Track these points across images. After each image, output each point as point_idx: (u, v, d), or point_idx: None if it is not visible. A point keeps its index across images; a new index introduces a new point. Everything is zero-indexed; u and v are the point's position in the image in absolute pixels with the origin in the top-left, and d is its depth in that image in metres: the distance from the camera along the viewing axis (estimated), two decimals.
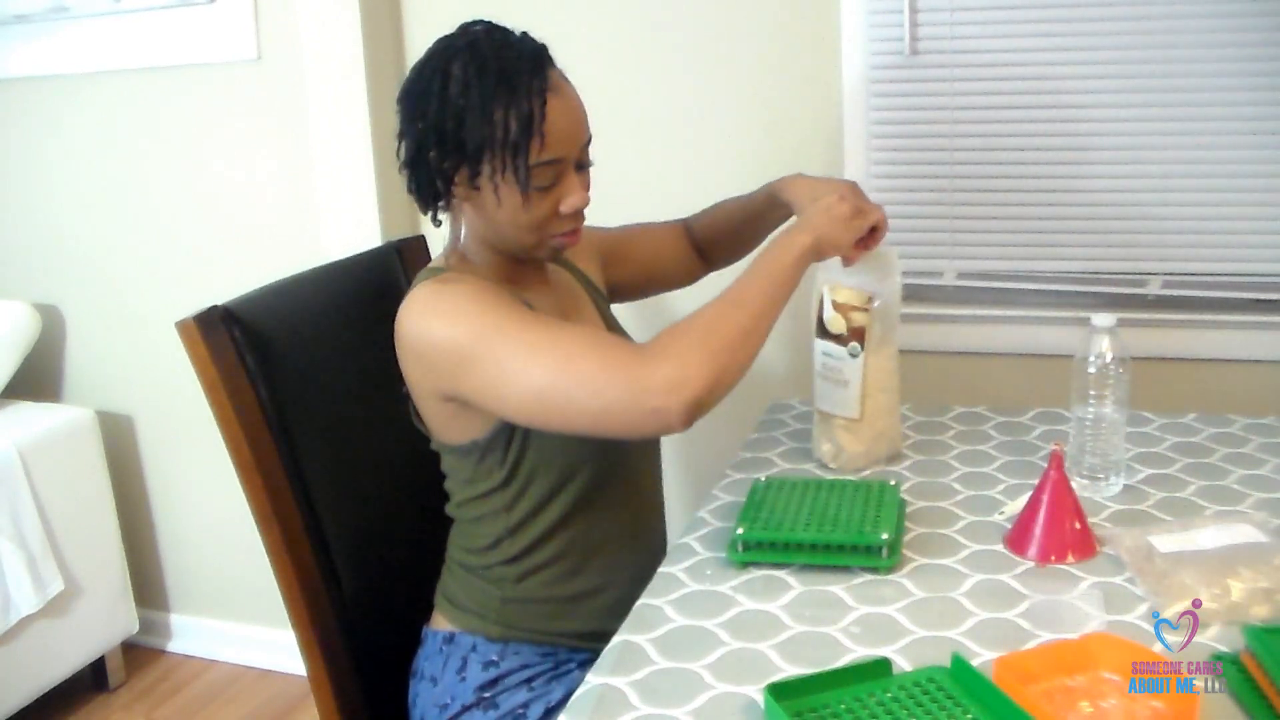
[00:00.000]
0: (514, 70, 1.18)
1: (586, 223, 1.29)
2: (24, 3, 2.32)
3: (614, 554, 1.30)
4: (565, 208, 1.23)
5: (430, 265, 1.33)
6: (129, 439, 2.57)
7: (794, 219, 1.36)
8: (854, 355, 1.39)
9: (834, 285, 1.40)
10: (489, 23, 1.23)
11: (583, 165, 1.26)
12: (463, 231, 1.29)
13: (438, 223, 1.30)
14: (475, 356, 1.15)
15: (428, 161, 1.22)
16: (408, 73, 1.25)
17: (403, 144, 1.25)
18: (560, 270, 1.43)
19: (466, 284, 1.21)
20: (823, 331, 1.42)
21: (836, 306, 1.39)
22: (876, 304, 1.38)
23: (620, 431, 1.14)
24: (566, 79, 1.23)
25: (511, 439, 1.24)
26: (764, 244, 1.26)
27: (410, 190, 1.28)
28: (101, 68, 2.34)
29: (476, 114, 1.17)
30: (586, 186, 1.26)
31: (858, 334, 1.39)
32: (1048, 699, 0.91)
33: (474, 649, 1.30)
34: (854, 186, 1.38)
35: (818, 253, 1.24)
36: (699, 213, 1.62)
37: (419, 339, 1.20)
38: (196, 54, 2.25)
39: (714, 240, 1.59)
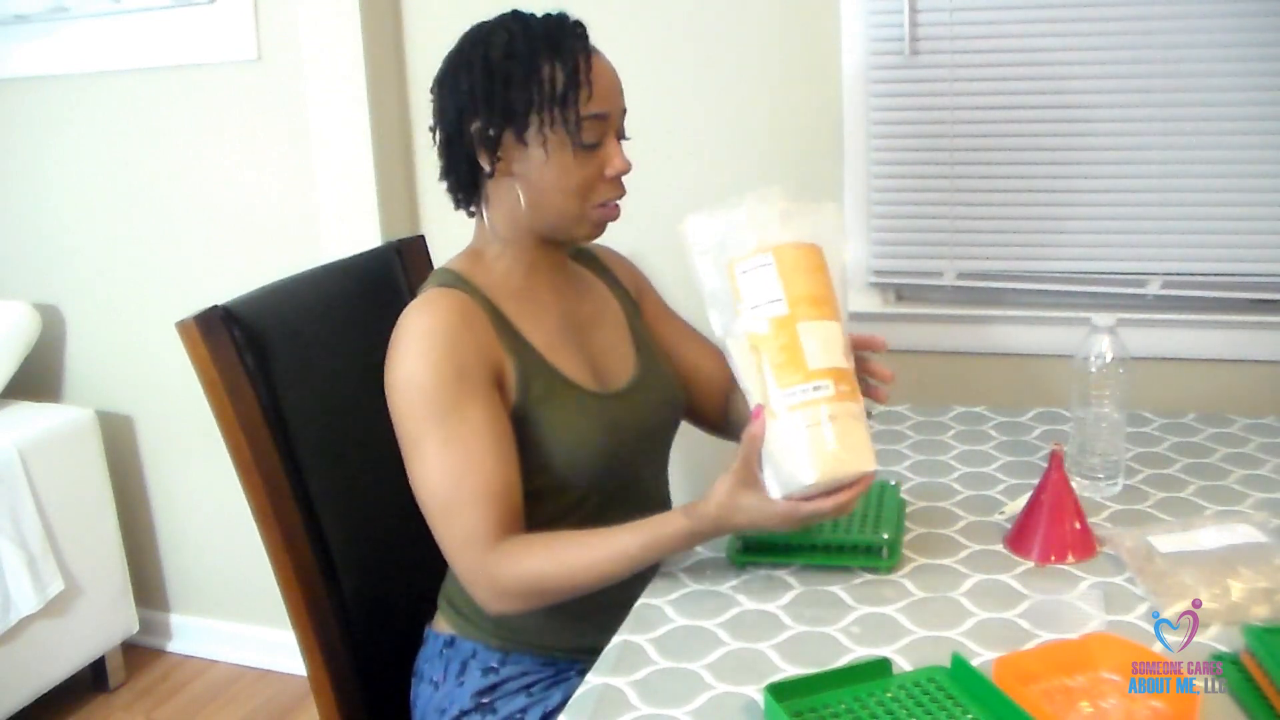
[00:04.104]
0: (557, 30, 1.22)
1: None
2: (24, 3, 2.32)
3: None
4: (610, 170, 1.25)
5: (444, 266, 1.32)
6: (129, 439, 2.57)
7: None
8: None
9: None
10: (516, 10, 1.27)
11: (620, 135, 1.28)
12: (497, 215, 1.28)
13: (471, 213, 1.30)
14: (402, 418, 1.20)
15: (469, 135, 1.23)
16: (443, 60, 1.26)
17: (439, 128, 1.26)
18: (591, 276, 1.42)
19: (447, 324, 1.20)
20: None
21: None
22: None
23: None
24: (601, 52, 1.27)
25: (519, 460, 1.23)
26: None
27: (445, 175, 1.28)
28: (101, 68, 2.34)
29: (523, 72, 1.20)
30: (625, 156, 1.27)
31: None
32: (1048, 699, 0.91)
33: (474, 655, 1.30)
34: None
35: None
36: None
37: (389, 358, 1.22)
38: (196, 54, 2.25)
39: (736, 424, 1.38)
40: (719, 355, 1.40)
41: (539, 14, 1.25)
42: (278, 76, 2.19)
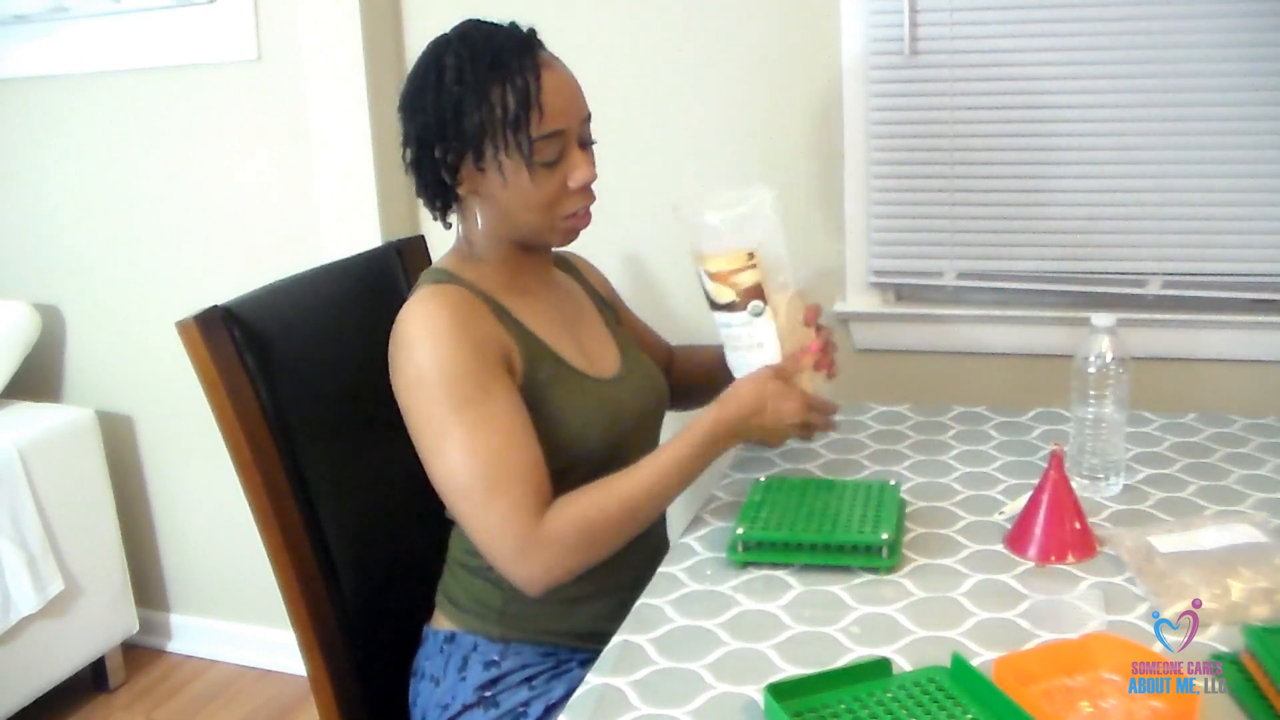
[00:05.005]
0: (505, 51, 1.21)
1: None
2: (24, 3, 2.32)
3: (615, 556, 1.30)
4: (573, 182, 1.25)
5: (434, 266, 1.34)
6: (129, 439, 2.57)
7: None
8: (757, 314, 1.30)
9: (704, 257, 1.30)
10: (477, 19, 1.27)
11: (585, 142, 1.28)
12: (472, 228, 1.31)
13: (448, 225, 1.32)
14: (423, 411, 1.20)
15: (432, 158, 1.24)
16: (406, 78, 1.27)
17: (407, 147, 1.27)
18: (568, 278, 1.45)
19: (455, 314, 1.22)
20: (713, 306, 1.33)
21: (714, 277, 1.30)
22: (758, 255, 1.27)
23: (487, 559, 1.22)
24: (557, 58, 1.26)
25: None
26: (699, 426, 1.25)
27: (419, 193, 1.30)
28: (101, 68, 2.34)
29: (473, 98, 1.20)
30: (592, 164, 1.28)
31: (754, 292, 1.29)
32: (1048, 699, 0.91)
33: (475, 648, 1.30)
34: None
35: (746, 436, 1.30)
36: (686, 346, 1.63)
37: (395, 357, 1.23)
38: (196, 54, 2.25)
39: (675, 385, 1.55)
40: (654, 336, 1.63)
41: (493, 25, 1.25)
42: (278, 76, 2.19)
